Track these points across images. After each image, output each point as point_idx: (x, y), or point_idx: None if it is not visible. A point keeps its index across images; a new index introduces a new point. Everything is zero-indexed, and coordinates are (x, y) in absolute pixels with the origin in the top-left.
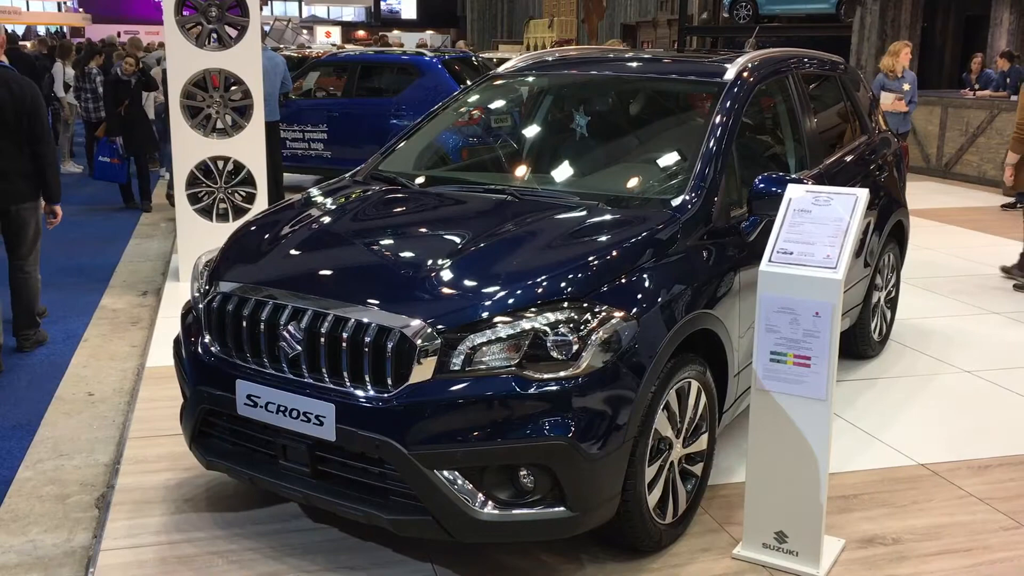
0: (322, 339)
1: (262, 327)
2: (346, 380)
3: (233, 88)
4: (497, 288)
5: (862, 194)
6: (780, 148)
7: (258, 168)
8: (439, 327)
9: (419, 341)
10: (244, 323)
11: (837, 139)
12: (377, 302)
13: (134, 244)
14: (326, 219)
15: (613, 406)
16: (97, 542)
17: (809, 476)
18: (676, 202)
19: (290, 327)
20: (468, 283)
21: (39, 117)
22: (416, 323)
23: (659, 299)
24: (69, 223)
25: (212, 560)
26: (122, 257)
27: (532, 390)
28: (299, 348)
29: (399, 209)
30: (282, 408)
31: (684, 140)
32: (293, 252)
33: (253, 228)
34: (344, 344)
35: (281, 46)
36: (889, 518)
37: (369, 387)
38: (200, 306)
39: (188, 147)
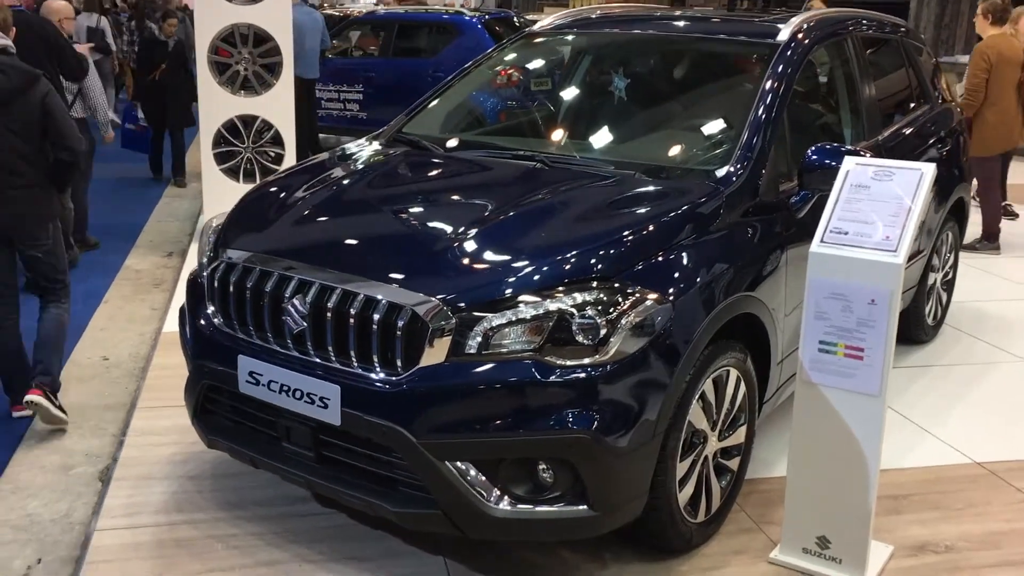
0: (328, 315)
1: (266, 300)
2: (353, 360)
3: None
4: (519, 264)
5: (928, 169)
6: (835, 117)
7: (287, 128)
8: (454, 305)
9: (431, 320)
10: (248, 295)
11: (896, 108)
12: (388, 276)
13: (164, 203)
14: (340, 185)
15: (642, 397)
16: (94, 520)
17: (857, 478)
18: (720, 173)
19: (295, 301)
20: (488, 258)
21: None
22: (429, 301)
23: (698, 280)
24: (99, 180)
25: (211, 545)
26: (151, 216)
27: (554, 377)
28: (304, 324)
29: (418, 175)
30: (285, 388)
31: (731, 106)
32: (302, 220)
33: (263, 193)
34: (351, 321)
35: (319, 2)
36: (942, 522)
37: (377, 369)
38: (204, 274)
39: (215, 105)
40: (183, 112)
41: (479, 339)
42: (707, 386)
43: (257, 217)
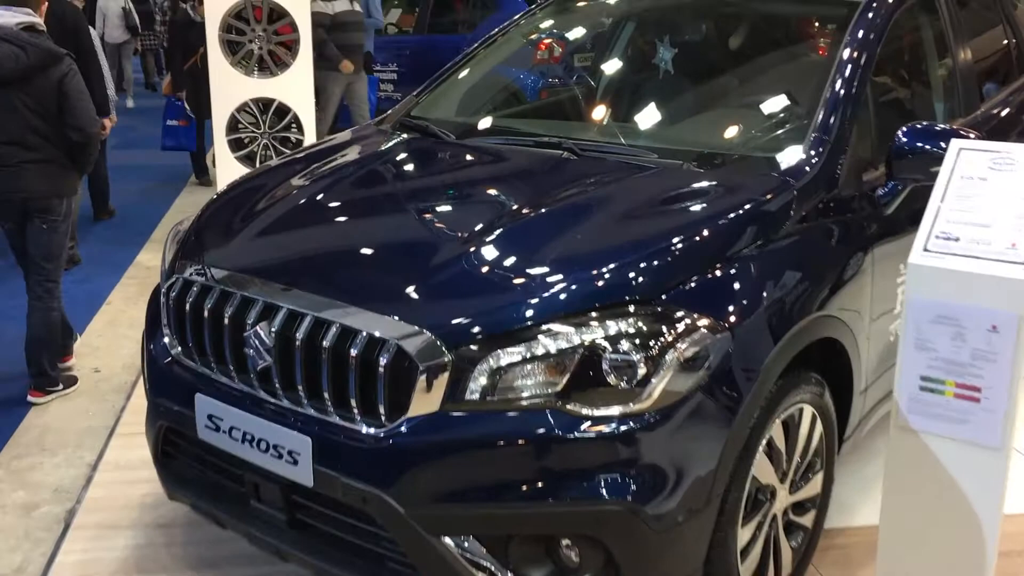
0: (298, 348)
1: (226, 328)
2: (328, 406)
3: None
4: (535, 284)
5: None
6: (925, 90)
7: (306, 111)
8: (451, 339)
9: (421, 358)
10: (206, 320)
11: (993, 76)
12: (369, 300)
13: (186, 194)
14: (324, 184)
15: (694, 453)
16: None
17: (970, 539)
18: (790, 162)
19: (259, 330)
20: (495, 277)
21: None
22: (419, 332)
23: (763, 300)
24: (117, 168)
25: None
26: (171, 207)
27: (579, 432)
28: (269, 359)
29: (420, 171)
30: (248, 437)
31: (801, 79)
32: (272, 228)
33: (235, 193)
34: (325, 357)
35: None
36: None
37: (357, 418)
38: (161, 292)
39: (228, 87)
40: None
41: (483, 381)
42: (775, 429)
43: (224, 223)
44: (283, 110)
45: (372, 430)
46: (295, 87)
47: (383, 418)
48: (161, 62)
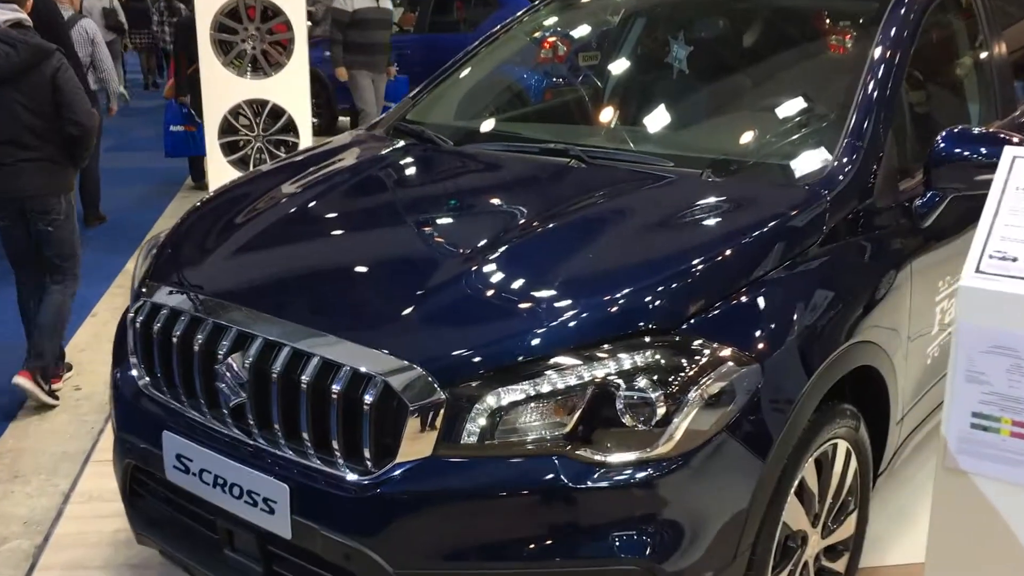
0: (274, 383)
1: (196, 358)
2: (307, 449)
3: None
4: (540, 313)
5: None
6: (959, 90)
7: (301, 113)
8: (445, 374)
9: (411, 396)
10: (175, 348)
11: None
12: (354, 330)
13: (180, 199)
14: (307, 196)
15: (719, 502)
16: None
17: None
18: (820, 170)
19: (231, 362)
20: (495, 304)
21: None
22: (408, 368)
23: (795, 327)
24: (109, 171)
25: None
26: (164, 211)
27: (591, 481)
28: (242, 395)
29: (413, 182)
30: (220, 481)
31: (829, 80)
32: (251, 246)
33: (213, 205)
34: (304, 394)
35: None
36: None
37: (339, 462)
38: (130, 314)
39: (220, 88)
40: None
41: (482, 423)
42: (808, 469)
43: (199, 239)
44: (278, 112)
45: (356, 477)
46: (291, 88)
47: (369, 464)
48: (161, 61)
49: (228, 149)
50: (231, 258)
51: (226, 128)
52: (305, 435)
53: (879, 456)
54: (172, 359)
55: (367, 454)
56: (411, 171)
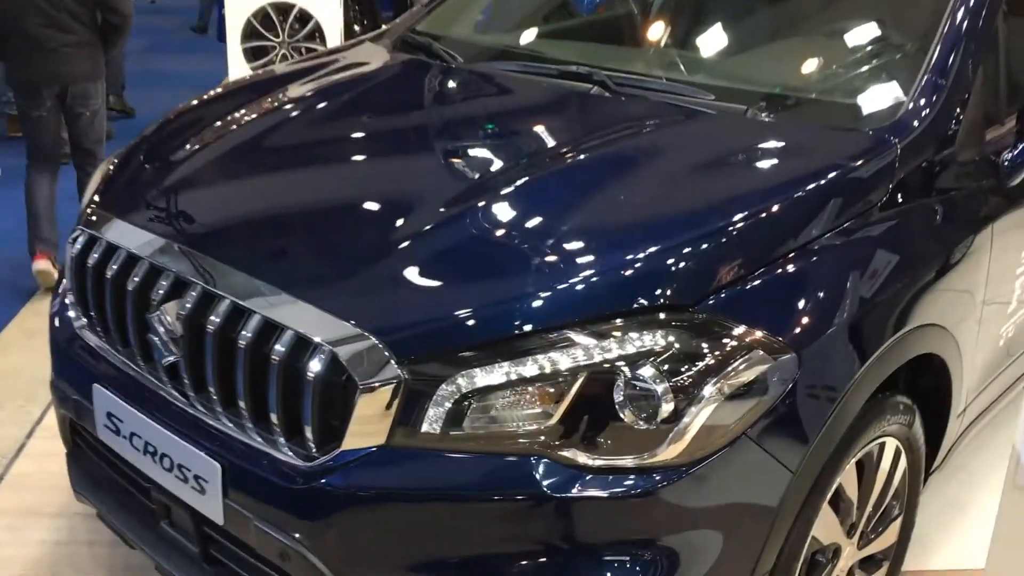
0: (209, 340)
1: (129, 303)
2: (245, 421)
3: None
4: (528, 278)
5: None
6: None
7: (331, 19)
8: (405, 348)
9: (363, 373)
10: (108, 288)
11: None
12: (305, 286)
13: None
14: (282, 118)
15: (736, 521)
16: None
17: None
18: (891, 112)
19: (164, 311)
20: (474, 263)
21: None
22: (360, 336)
23: (845, 307)
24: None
25: None
26: None
27: (576, 490)
28: (175, 353)
29: (404, 108)
30: (151, 449)
31: (908, 4)
32: (206, 177)
33: (178, 123)
34: (243, 357)
35: None
36: None
37: (280, 442)
38: (68, 243)
39: None
40: None
41: (447, 408)
42: (847, 474)
43: (152, 162)
44: (305, 16)
45: (298, 462)
46: None
47: (311, 446)
48: None
49: (252, 55)
50: (182, 189)
51: (250, 32)
52: (242, 406)
53: (933, 452)
54: (104, 300)
55: (309, 435)
56: (404, 95)
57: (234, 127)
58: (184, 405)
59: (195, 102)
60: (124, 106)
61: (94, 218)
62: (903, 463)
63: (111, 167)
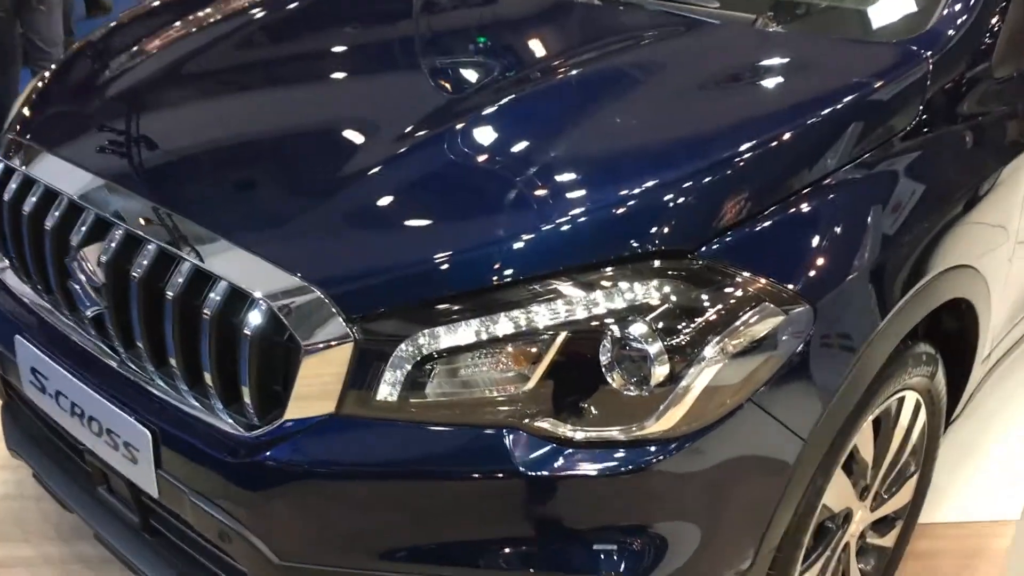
0: (134, 289)
1: (49, 244)
2: (178, 381)
3: None
4: (500, 220)
5: None
6: None
7: None
8: (355, 303)
9: (305, 331)
10: (25, 227)
11: None
12: (242, 230)
13: None
14: (224, 33)
15: (737, 498)
16: None
17: None
18: (920, 21)
19: (84, 255)
20: (436, 203)
21: None
22: (304, 288)
23: (866, 251)
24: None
25: None
26: None
27: (557, 466)
28: (99, 304)
29: (364, 18)
30: (78, 411)
31: None
32: (138, 102)
33: (108, 40)
34: (171, 310)
35: None
36: None
37: (217, 407)
38: None
39: None
40: None
41: (407, 372)
42: (862, 434)
43: (78, 84)
44: None
45: (238, 432)
46: None
47: (251, 412)
48: None
49: None
50: (110, 116)
51: None
52: (173, 364)
53: (954, 401)
54: (22, 239)
55: (248, 401)
56: (366, 4)
57: (177, 39)
58: (114, 363)
59: (142, 12)
60: (99, 4)
61: (12, 146)
62: (922, 417)
63: (39, 84)
